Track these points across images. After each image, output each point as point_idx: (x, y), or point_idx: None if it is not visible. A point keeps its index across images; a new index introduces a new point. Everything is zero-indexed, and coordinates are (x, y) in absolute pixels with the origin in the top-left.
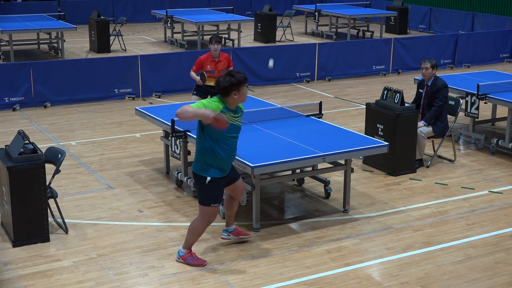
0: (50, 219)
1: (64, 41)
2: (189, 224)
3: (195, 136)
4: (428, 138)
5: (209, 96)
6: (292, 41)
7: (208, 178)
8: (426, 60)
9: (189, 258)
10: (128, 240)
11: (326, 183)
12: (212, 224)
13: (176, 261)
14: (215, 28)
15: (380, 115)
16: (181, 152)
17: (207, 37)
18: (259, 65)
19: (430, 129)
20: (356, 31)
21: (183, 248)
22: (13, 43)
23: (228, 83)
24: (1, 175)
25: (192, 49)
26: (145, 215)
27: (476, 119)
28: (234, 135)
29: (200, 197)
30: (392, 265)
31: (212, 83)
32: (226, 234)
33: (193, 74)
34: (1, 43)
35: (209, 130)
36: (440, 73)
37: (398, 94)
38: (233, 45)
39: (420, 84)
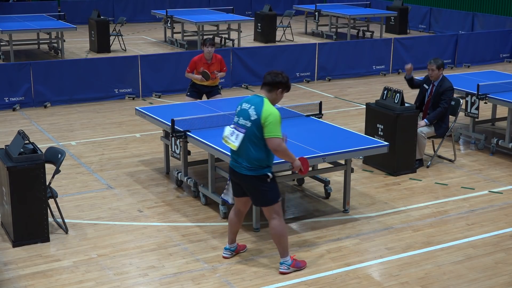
0: (50, 219)
1: (64, 41)
2: (189, 224)
3: (234, 141)
4: (428, 138)
5: (204, 96)
6: (292, 41)
7: (270, 175)
8: (431, 61)
9: (298, 263)
10: (128, 240)
11: (326, 183)
12: (212, 224)
13: (284, 273)
14: (215, 28)
15: (380, 115)
16: (181, 152)
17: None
18: (259, 65)
19: (430, 129)
20: (356, 31)
21: (284, 257)
22: (13, 43)
23: (281, 79)
24: (1, 175)
25: (192, 49)
26: (145, 215)
27: (476, 119)
28: None
29: (266, 198)
30: (392, 265)
31: (207, 84)
32: (229, 253)
33: (189, 74)
34: (1, 43)
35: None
36: None
37: (398, 94)
38: (233, 45)
39: (427, 80)
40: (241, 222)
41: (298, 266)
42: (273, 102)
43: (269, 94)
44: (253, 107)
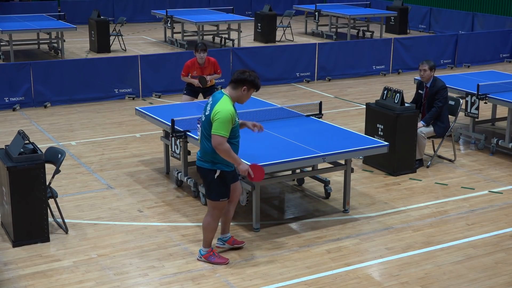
0: (50, 219)
1: (64, 41)
2: (189, 224)
3: (198, 135)
4: (428, 138)
5: (200, 95)
6: (292, 41)
7: (218, 172)
8: (424, 62)
9: (211, 257)
10: (128, 240)
11: (326, 183)
12: None
13: (198, 260)
14: (215, 28)
15: (380, 115)
16: (181, 152)
17: (207, 37)
18: (259, 65)
19: (430, 129)
20: (356, 31)
21: (203, 247)
22: (13, 43)
23: (246, 76)
24: (1, 175)
25: (192, 49)
26: (145, 215)
27: (476, 119)
28: (238, 135)
29: (210, 192)
30: (392, 265)
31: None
32: (221, 243)
33: (185, 78)
34: (1, 43)
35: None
36: (440, 73)
37: (398, 94)
38: (233, 45)
39: (420, 85)
40: (232, 210)
41: (211, 261)
42: (238, 100)
43: (233, 92)
44: (211, 102)
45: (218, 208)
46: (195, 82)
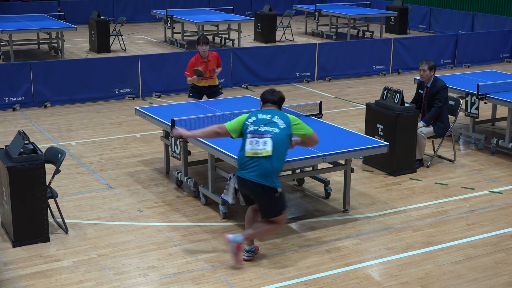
0: (50, 219)
1: (64, 41)
2: (189, 224)
3: (252, 149)
4: (428, 138)
5: (204, 97)
6: (292, 41)
7: (280, 190)
8: (424, 61)
9: (239, 252)
10: (128, 240)
11: (326, 183)
12: (212, 224)
13: (228, 241)
14: (215, 28)
15: (380, 115)
16: (181, 152)
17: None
18: (259, 65)
19: (430, 129)
20: (356, 31)
21: (242, 236)
22: (13, 43)
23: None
24: (1, 175)
25: (192, 49)
26: (145, 215)
27: (476, 119)
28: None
29: (274, 209)
30: (392, 265)
31: (208, 83)
32: (251, 255)
33: (189, 79)
34: (1, 43)
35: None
36: (440, 73)
37: (398, 94)
38: (233, 45)
39: (420, 85)
40: (258, 218)
41: (233, 251)
42: None
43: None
44: (272, 119)
45: (283, 221)
46: (195, 78)
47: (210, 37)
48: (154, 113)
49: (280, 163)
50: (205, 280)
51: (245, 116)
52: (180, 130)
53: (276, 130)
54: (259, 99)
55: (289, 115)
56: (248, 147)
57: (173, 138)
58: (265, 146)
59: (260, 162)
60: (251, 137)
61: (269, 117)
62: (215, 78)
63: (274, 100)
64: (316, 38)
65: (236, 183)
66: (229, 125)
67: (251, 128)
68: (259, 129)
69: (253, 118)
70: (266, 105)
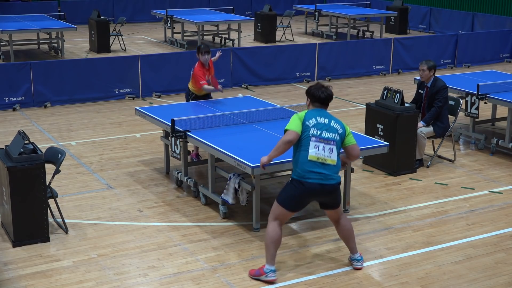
0: (50, 219)
1: (64, 41)
2: (189, 224)
3: (324, 154)
4: (428, 138)
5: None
6: (292, 41)
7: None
8: (423, 61)
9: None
10: (128, 240)
11: None
12: (212, 224)
13: (359, 268)
14: (215, 28)
15: (380, 115)
16: (181, 152)
17: (207, 37)
18: (259, 65)
19: (430, 129)
20: (356, 31)
21: (356, 254)
22: (13, 43)
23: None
24: (1, 175)
25: (192, 49)
26: (145, 215)
27: (476, 119)
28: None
29: (340, 199)
30: (392, 265)
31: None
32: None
33: (206, 87)
34: (1, 43)
35: None
36: (440, 73)
37: (398, 94)
38: (233, 45)
39: (420, 85)
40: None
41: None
42: None
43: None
44: (331, 122)
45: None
46: (213, 89)
47: (210, 37)
48: (154, 113)
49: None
50: (205, 280)
51: (300, 116)
52: (263, 161)
53: (337, 137)
54: (306, 95)
55: (342, 122)
56: (312, 151)
57: (173, 138)
58: (331, 154)
59: (325, 167)
60: (317, 141)
61: (326, 121)
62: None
63: (323, 99)
64: (316, 38)
65: (299, 190)
66: (294, 127)
67: (314, 131)
68: (322, 135)
69: (313, 120)
70: (315, 105)
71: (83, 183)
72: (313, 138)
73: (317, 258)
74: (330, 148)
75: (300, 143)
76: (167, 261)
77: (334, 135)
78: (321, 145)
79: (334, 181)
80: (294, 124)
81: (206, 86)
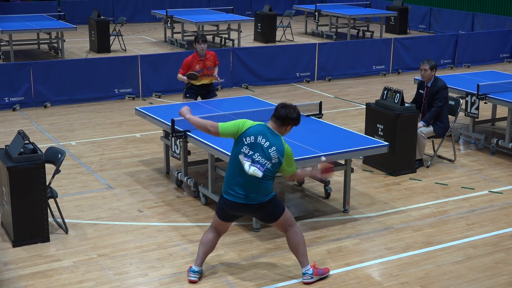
0: (50, 219)
1: (64, 41)
2: (189, 224)
3: (247, 169)
4: (428, 138)
5: (199, 98)
6: (292, 41)
7: (273, 194)
8: (425, 61)
9: (320, 270)
10: (128, 240)
11: (326, 183)
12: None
13: (308, 283)
14: (215, 28)
15: (380, 115)
16: (181, 152)
17: (207, 37)
18: (259, 65)
19: (430, 129)
20: (356, 31)
21: (305, 267)
22: (13, 43)
23: (298, 115)
24: (1, 175)
25: (192, 49)
26: (145, 215)
27: (476, 119)
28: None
29: (276, 214)
30: (392, 265)
31: (204, 81)
32: (198, 277)
33: (180, 76)
34: (1, 43)
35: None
36: (440, 73)
37: (398, 94)
38: (233, 45)
39: (421, 85)
40: (216, 244)
41: (320, 273)
42: (281, 134)
43: (280, 129)
44: (268, 144)
45: (289, 217)
46: (185, 79)
47: (210, 37)
48: (154, 113)
49: (266, 183)
50: (205, 280)
51: (243, 125)
52: (184, 111)
53: (269, 165)
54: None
55: (286, 147)
56: (239, 168)
57: (173, 138)
58: (256, 176)
59: (247, 187)
60: (247, 160)
61: (267, 144)
62: (212, 76)
63: (278, 116)
64: (316, 38)
65: (221, 204)
66: (222, 128)
67: (246, 150)
68: (254, 156)
69: (251, 139)
70: (272, 119)
71: (83, 183)
72: (242, 156)
73: (317, 258)
74: (257, 169)
75: (230, 158)
76: (167, 261)
77: (266, 162)
78: (248, 164)
79: (254, 202)
80: (226, 125)
81: (179, 75)
